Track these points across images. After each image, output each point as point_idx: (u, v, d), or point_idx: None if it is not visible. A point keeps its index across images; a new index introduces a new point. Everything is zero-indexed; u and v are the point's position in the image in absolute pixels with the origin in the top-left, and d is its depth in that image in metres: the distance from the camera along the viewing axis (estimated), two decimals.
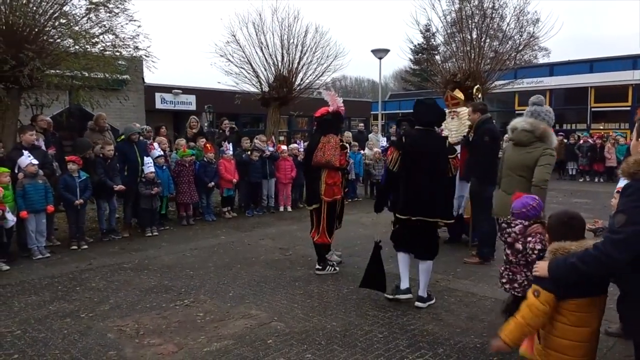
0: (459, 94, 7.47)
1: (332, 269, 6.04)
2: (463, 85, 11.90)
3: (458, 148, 6.97)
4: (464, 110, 7.17)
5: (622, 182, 3.49)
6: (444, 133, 7.36)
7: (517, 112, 23.13)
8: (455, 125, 7.17)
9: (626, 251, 2.16)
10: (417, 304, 4.82)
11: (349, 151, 6.70)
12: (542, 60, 27.59)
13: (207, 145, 9.67)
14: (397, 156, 4.85)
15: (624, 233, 2.16)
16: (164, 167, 8.70)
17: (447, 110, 7.70)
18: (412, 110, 5.08)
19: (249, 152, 10.18)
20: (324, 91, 6.33)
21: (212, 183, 9.51)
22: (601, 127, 20.13)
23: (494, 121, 6.92)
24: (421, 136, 4.87)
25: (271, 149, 10.59)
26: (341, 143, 5.91)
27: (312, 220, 6.14)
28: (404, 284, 4.91)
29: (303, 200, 11.45)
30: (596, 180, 17.00)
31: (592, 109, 21.12)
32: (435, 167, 4.73)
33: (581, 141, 17.54)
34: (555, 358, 2.51)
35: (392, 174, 4.96)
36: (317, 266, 6.07)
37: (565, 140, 18.12)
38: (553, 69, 22.47)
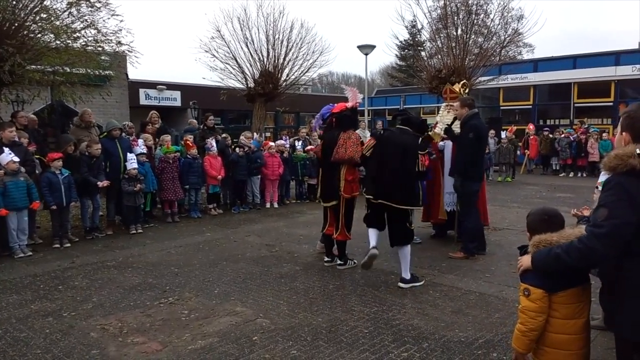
0: (457, 89, 7.49)
1: (352, 262, 6.09)
2: (448, 80, 11.95)
3: (450, 143, 6.98)
4: None
5: (603, 177, 3.54)
6: (438, 126, 7.39)
7: (501, 107, 23.36)
8: (450, 119, 7.20)
9: (609, 245, 2.19)
10: (399, 284, 5.26)
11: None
12: (526, 56, 27.84)
13: (188, 142, 9.57)
14: (372, 143, 5.57)
15: (606, 227, 2.18)
16: (145, 164, 8.55)
17: (444, 104, 7.73)
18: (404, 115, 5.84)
19: (235, 148, 10.12)
20: (345, 86, 6.40)
21: (187, 187, 9.40)
22: (576, 124, 20.34)
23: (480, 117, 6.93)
24: (397, 132, 5.53)
25: (254, 142, 10.49)
26: (360, 140, 5.96)
27: (325, 217, 6.19)
28: (372, 244, 5.37)
29: (290, 197, 11.47)
30: (579, 175, 17.21)
31: (575, 105, 21.35)
32: (401, 160, 5.28)
33: (562, 135, 17.72)
34: (552, 355, 2.47)
35: (365, 158, 5.64)
36: (339, 261, 6.10)
37: (551, 135, 18.30)
38: (537, 65, 22.64)
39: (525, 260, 2.49)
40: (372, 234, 5.47)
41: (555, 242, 2.41)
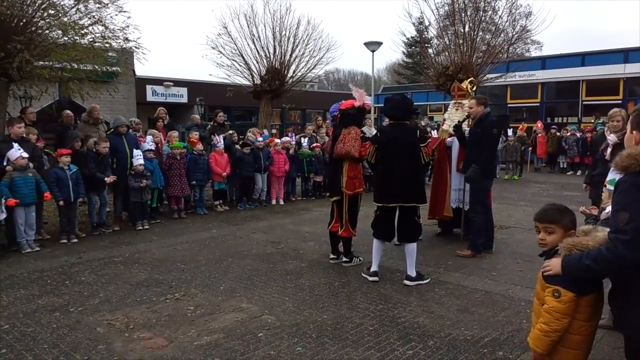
0: (465, 86, 7.41)
1: (358, 260, 6.09)
2: (455, 78, 11.88)
3: (456, 140, 6.95)
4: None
5: (611, 175, 3.50)
6: (447, 123, 7.34)
7: (509, 105, 23.23)
8: (459, 116, 7.15)
9: (637, 249, 2.12)
10: (405, 282, 5.27)
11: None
12: (534, 53, 27.65)
13: (193, 139, 9.59)
14: (373, 149, 5.49)
15: (630, 232, 2.11)
16: (153, 160, 8.58)
17: (452, 101, 7.66)
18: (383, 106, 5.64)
19: (240, 146, 10.12)
20: (353, 87, 6.36)
21: (193, 183, 9.38)
22: (592, 121, 20.20)
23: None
24: (393, 130, 5.46)
25: (260, 139, 10.47)
26: (362, 134, 5.91)
27: (332, 213, 6.18)
28: (374, 267, 5.44)
29: (296, 194, 11.48)
30: (587, 173, 17.07)
31: (584, 102, 21.20)
32: (407, 157, 5.27)
33: (568, 134, 17.59)
34: (565, 354, 2.46)
35: (372, 165, 5.61)
36: (345, 259, 6.10)
37: (558, 134, 18.19)
38: (545, 62, 22.47)
39: (555, 265, 2.41)
40: (377, 252, 5.47)
41: (591, 247, 2.33)
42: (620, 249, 2.14)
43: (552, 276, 2.44)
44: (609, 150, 5.83)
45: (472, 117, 6.46)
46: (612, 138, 5.87)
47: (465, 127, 6.76)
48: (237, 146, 10.14)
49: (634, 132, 2.30)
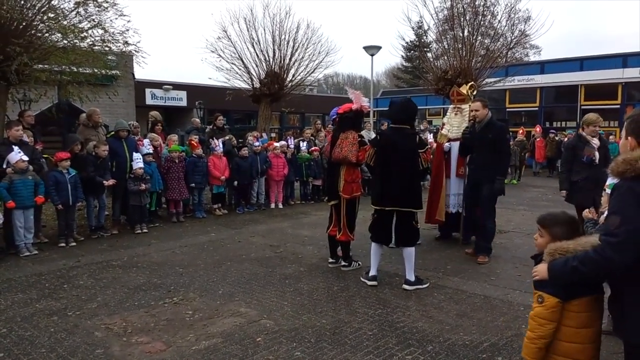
0: (464, 90, 7.38)
1: (357, 264, 6.09)
2: (454, 82, 11.90)
3: (456, 145, 6.95)
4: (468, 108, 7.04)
5: (610, 180, 3.51)
6: (446, 127, 7.33)
7: (508, 109, 23.26)
8: (458, 122, 7.13)
9: (626, 253, 2.13)
10: (404, 286, 5.27)
11: None
12: (533, 58, 27.72)
13: (193, 142, 9.60)
14: (373, 152, 5.47)
15: (621, 235, 2.13)
16: (152, 164, 8.58)
17: (451, 106, 7.64)
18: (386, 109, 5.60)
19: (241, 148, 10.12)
20: (349, 89, 6.35)
21: (192, 185, 9.34)
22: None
23: None
24: (393, 134, 5.48)
25: (257, 143, 10.45)
26: (360, 139, 5.87)
27: (331, 217, 6.18)
28: (372, 272, 5.47)
29: (295, 198, 11.47)
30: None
31: (582, 107, 21.22)
32: (406, 162, 5.26)
33: (565, 139, 17.61)
34: None
35: (371, 168, 5.57)
36: (343, 263, 6.10)
37: (557, 138, 18.22)
38: (544, 66, 22.52)
39: (542, 270, 2.42)
40: (375, 256, 5.47)
41: (572, 250, 2.33)
42: (607, 251, 2.16)
43: (540, 282, 2.44)
44: (597, 154, 6.04)
45: (477, 121, 6.39)
46: (596, 142, 6.10)
47: (459, 131, 6.77)
48: (242, 149, 10.12)
49: (629, 138, 2.31)
